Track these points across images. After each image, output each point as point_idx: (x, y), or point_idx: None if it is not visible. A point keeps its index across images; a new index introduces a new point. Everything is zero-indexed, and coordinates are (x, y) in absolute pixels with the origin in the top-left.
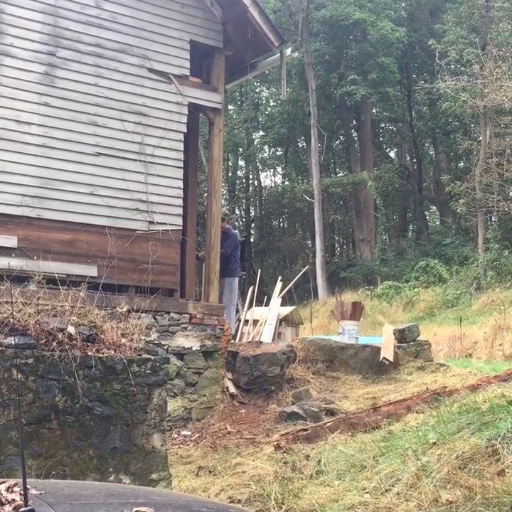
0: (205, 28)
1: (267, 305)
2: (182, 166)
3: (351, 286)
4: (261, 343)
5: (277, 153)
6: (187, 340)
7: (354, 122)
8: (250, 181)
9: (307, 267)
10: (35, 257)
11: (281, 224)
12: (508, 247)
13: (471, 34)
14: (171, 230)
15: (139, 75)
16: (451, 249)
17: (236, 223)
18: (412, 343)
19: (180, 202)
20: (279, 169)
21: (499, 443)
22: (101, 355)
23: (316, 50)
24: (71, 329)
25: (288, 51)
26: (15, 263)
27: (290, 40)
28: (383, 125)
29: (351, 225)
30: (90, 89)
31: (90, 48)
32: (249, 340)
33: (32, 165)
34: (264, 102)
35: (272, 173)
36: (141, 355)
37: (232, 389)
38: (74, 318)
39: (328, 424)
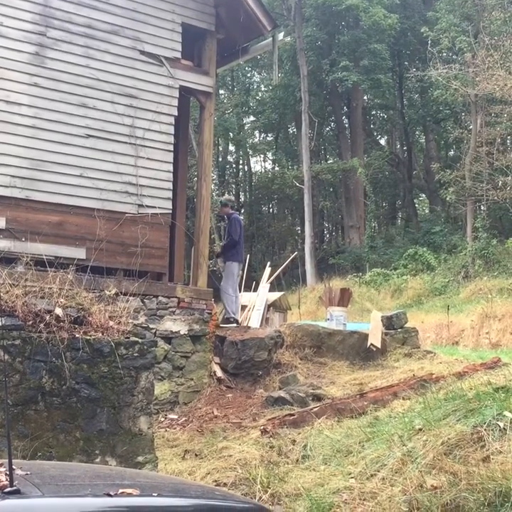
0: (198, 10)
1: (255, 290)
2: (172, 149)
3: (340, 272)
4: (249, 328)
5: (268, 138)
6: (175, 324)
7: (345, 109)
8: (240, 166)
9: (296, 253)
10: (23, 239)
11: (271, 210)
12: (497, 236)
13: (463, 22)
14: (160, 213)
15: (130, 57)
16: (439, 238)
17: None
18: (399, 330)
19: (169, 185)
20: (269, 155)
21: (484, 430)
22: (88, 337)
23: (308, 35)
24: (59, 311)
25: (280, 36)
26: (3, 244)
27: (282, 25)
28: (374, 112)
29: (340, 211)
30: (81, 71)
31: (81, 29)
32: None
33: (21, 146)
34: (255, 86)
35: (262, 159)
36: (128, 338)
37: (220, 373)
38: (62, 300)
39: (315, 410)
